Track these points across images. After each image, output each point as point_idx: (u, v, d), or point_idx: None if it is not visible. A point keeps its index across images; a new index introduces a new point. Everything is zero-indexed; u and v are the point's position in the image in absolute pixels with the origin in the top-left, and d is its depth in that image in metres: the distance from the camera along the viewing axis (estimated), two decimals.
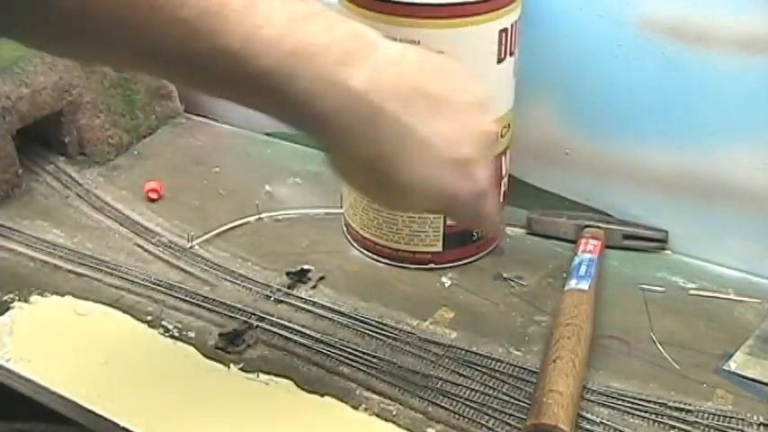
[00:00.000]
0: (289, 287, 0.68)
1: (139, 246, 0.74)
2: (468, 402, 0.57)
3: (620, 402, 0.57)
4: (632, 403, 0.57)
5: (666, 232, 0.72)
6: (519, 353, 0.61)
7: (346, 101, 0.45)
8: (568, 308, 0.62)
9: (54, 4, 0.45)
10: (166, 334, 0.63)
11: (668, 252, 0.73)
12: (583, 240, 0.70)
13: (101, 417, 0.56)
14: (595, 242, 0.70)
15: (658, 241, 0.73)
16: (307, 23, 0.46)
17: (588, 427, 0.55)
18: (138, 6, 0.44)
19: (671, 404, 0.57)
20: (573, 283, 0.64)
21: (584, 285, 0.64)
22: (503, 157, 0.70)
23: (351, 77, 0.45)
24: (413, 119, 0.46)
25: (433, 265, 0.70)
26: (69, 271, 0.70)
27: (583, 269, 0.66)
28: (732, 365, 0.60)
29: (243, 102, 0.48)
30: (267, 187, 0.82)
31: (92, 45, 0.47)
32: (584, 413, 0.56)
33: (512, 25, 0.64)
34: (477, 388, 0.58)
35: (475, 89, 0.50)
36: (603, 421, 0.55)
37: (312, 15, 0.46)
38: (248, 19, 0.45)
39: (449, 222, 0.68)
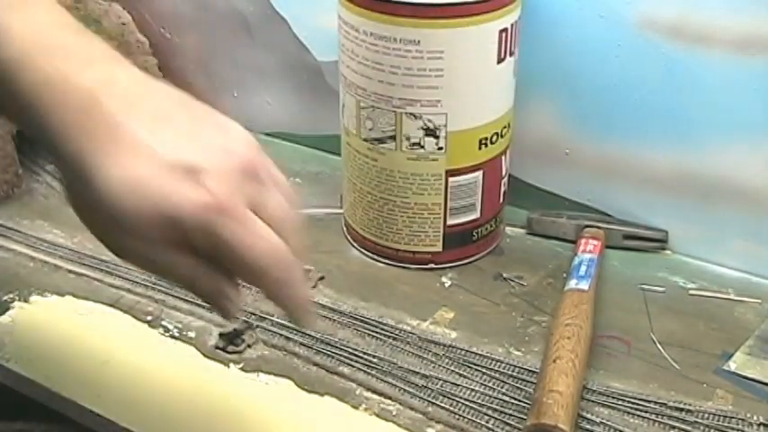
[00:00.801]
0: None
1: None
2: (468, 402, 0.57)
3: (620, 402, 0.57)
4: (632, 403, 0.57)
5: (666, 232, 0.73)
6: (519, 353, 0.61)
7: (71, 94, 0.42)
8: (568, 308, 0.62)
9: None
10: (166, 334, 0.63)
11: (668, 252, 0.73)
12: (583, 240, 0.70)
13: (101, 417, 0.56)
14: (595, 242, 0.70)
15: (658, 241, 0.73)
16: (66, 30, 0.44)
17: (588, 427, 0.55)
18: None
19: (671, 404, 0.57)
20: (573, 283, 0.64)
21: (585, 285, 0.64)
22: (503, 157, 0.70)
23: (83, 74, 0.42)
24: (132, 121, 0.42)
25: (432, 265, 0.71)
26: (69, 271, 0.70)
27: (583, 269, 0.66)
28: (732, 365, 0.60)
29: None
30: None
31: None
32: (584, 413, 0.56)
33: (512, 25, 0.64)
34: (477, 388, 0.58)
35: (222, 119, 0.45)
36: (603, 421, 0.55)
37: (77, 26, 0.45)
38: (10, 12, 0.43)
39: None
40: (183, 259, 0.43)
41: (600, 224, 0.73)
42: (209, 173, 0.41)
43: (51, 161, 0.45)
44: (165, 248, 0.42)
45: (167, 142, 0.41)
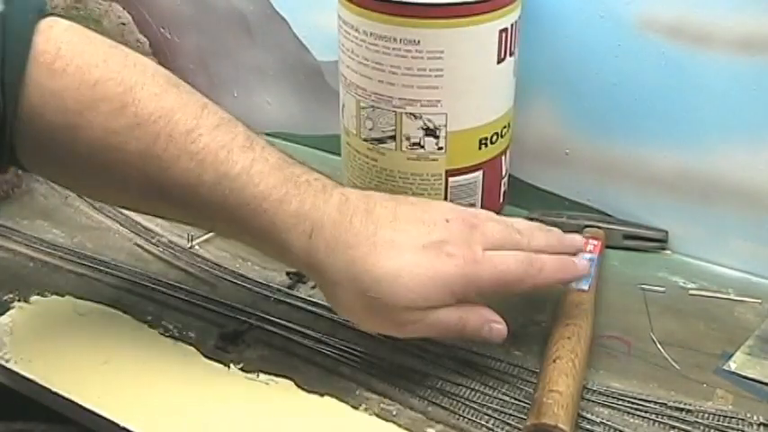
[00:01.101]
0: (289, 287, 0.68)
1: (139, 246, 0.74)
2: (468, 402, 0.57)
3: (620, 402, 0.57)
4: (632, 403, 0.57)
5: (666, 232, 0.73)
6: (519, 353, 0.61)
7: (325, 219, 0.54)
8: (568, 308, 0.62)
9: (82, 139, 0.53)
10: (166, 334, 0.63)
11: (668, 252, 0.73)
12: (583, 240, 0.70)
13: (101, 417, 0.56)
14: (595, 242, 0.70)
15: (658, 241, 0.73)
16: (293, 166, 0.56)
17: (588, 427, 0.55)
18: (158, 138, 0.53)
19: (671, 404, 0.57)
20: (573, 283, 0.64)
21: (585, 285, 0.64)
22: (503, 157, 0.70)
23: (327, 201, 0.55)
24: (376, 224, 0.54)
25: None
26: (69, 271, 0.70)
27: None
28: (732, 365, 0.60)
29: (240, 229, 0.56)
30: None
31: (113, 177, 0.55)
32: (584, 413, 0.56)
33: (512, 25, 0.64)
34: (477, 388, 0.58)
35: (424, 201, 0.59)
36: (603, 421, 0.55)
37: (296, 163, 0.57)
38: (247, 154, 0.54)
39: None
40: (452, 312, 0.55)
41: (600, 224, 0.73)
42: (448, 242, 0.54)
43: (304, 276, 0.60)
44: (438, 309, 0.54)
45: (411, 231, 0.54)
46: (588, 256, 0.68)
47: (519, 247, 0.57)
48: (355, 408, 0.57)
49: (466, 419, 0.56)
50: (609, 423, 0.55)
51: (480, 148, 0.67)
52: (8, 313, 0.65)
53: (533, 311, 0.66)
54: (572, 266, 0.59)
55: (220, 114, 0.57)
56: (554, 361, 0.56)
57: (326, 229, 0.54)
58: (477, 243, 0.55)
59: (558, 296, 0.64)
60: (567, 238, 0.61)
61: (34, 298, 0.67)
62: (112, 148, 0.54)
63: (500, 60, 0.65)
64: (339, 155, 0.74)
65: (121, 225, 0.76)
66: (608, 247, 0.72)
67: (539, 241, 0.58)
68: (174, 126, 0.54)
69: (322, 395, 0.58)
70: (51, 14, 0.56)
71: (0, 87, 0.52)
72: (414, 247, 0.53)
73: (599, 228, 0.72)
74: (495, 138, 0.68)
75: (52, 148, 0.55)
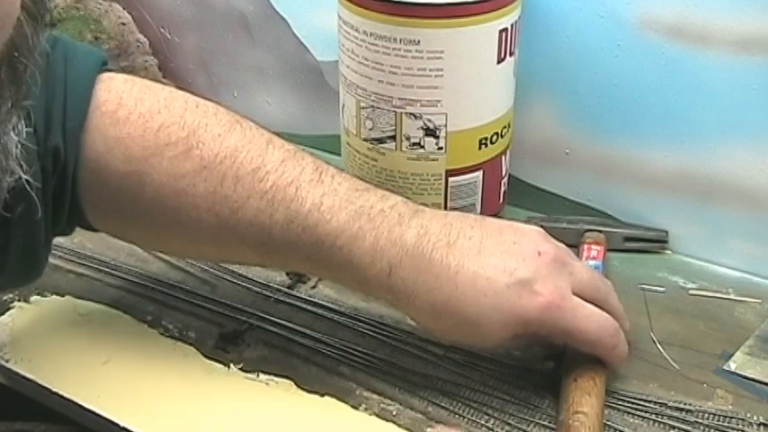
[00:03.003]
0: (289, 287, 0.68)
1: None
2: (468, 402, 0.57)
3: (620, 402, 0.57)
4: (632, 403, 0.57)
5: (667, 232, 0.72)
6: (519, 353, 0.61)
7: (403, 255, 0.52)
8: None
9: (148, 185, 0.53)
10: (166, 334, 0.63)
11: (668, 252, 0.73)
12: (585, 246, 0.70)
13: (101, 417, 0.56)
14: (598, 247, 0.70)
15: (659, 242, 0.72)
16: (365, 194, 0.54)
17: None
18: (225, 179, 0.53)
19: (671, 404, 0.57)
20: None
21: None
22: (503, 157, 0.70)
23: (404, 234, 0.52)
24: (460, 259, 0.52)
25: None
26: (69, 271, 0.70)
27: None
28: (732, 365, 0.60)
29: (316, 266, 0.55)
30: None
31: (184, 223, 0.55)
32: None
33: (512, 25, 0.64)
34: (477, 388, 0.58)
35: (512, 224, 0.56)
36: (604, 421, 0.55)
37: (368, 189, 0.55)
38: (317, 188, 0.53)
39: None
40: (526, 340, 0.55)
41: (600, 228, 0.72)
42: (536, 279, 0.51)
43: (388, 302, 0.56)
44: (516, 342, 0.55)
45: (497, 267, 0.51)
46: (593, 262, 0.68)
47: (603, 301, 0.54)
48: (355, 408, 0.57)
49: (466, 419, 0.56)
50: (609, 423, 0.55)
51: (480, 148, 0.67)
52: (8, 313, 0.65)
53: None
54: (624, 357, 0.56)
55: (286, 147, 0.56)
56: (574, 380, 0.55)
57: (405, 267, 0.52)
58: (566, 282, 0.52)
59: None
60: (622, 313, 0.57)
61: (34, 298, 0.67)
62: (181, 192, 0.53)
63: (500, 60, 0.65)
64: (339, 155, 0.74)
65: None
66: (609, 250, 0.72)
67: (614, 301, 0.56)
68: (240, 165, 0.53)
69: (322, 395, 0.58)
70: (109, 70, 0.57)
71: (62, 135, 0.53)
72: (497, 288, 0.51)
73: (600, 232, 0.72)
74: (495, 138, 0.68)
75: (120, 199, 0.55)
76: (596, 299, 0.54)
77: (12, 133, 0.37)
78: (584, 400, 0.54)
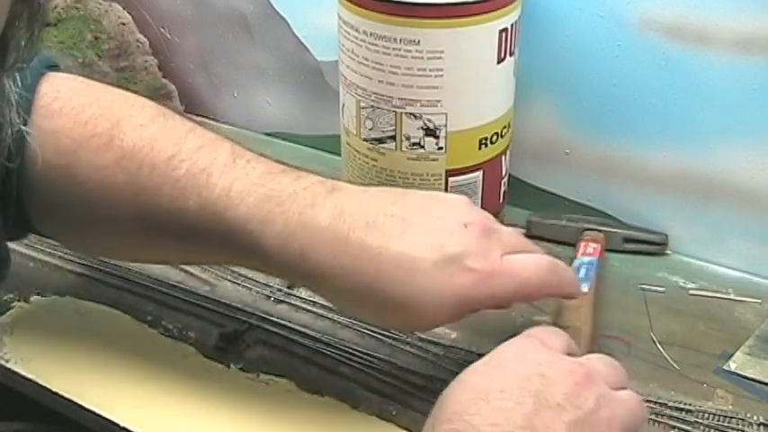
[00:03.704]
0: (289, 287, 0.68)
1: None
2: None
3: None
4: None
5: (666, 236, 0.72)
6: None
7: (316, 238, 0.49)
8: (568, 310, 0.61)
9: (77, 178, 0.53)
10: (166, 334, 0.63)
11: (668, 252, 0.73)
12: (582, 243, 0.70)
13: (101, 417, 0.56)
14: (595, 245, 0.70)
15: (658, 245, 0.72)
16: (279, 177, 0.51)
17: None
18: (142, 168, 0.52)
19: (671, 404, 0.57)
20: None
21: (584, 288, 0.63)
22: (503, 157, 0.70)
23: (317, 216, 0.49)
24: (381, 239, 0.48)
25: None
26: (69, 271, 0.70)
27: (582, 271, 0.66)
28: (732, 365, 0.60)
29: (233, 255, 0.53)
30: None
31: (110, 218, 0.54)
32: None
33: (512, 25, 0.64)
34: None
35: (435, 194, 0.53)
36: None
37: (284, 171, 0.52)
38: (228, 174, 0.51)
39: None
40: (466, 315, 0.51)
41: (600, 227, 0.72)
42: (467, 254, 0.48)
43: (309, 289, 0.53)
44: (455, 318, 0.51)
45: (423, 245, 0.48)
46: (587, 259, 0.68)
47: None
48: (355, 408, 0.57)
49: None
50: None
51: (480, 148, 0.67)
52: (8, 313, 0.65)
53: (533, 311, 0.65)
54: (575, 281, 0.56)
55: (208, 136, 0.54)
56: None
57: (319, 250, 0.49)
58: (495, 249, 0.50)
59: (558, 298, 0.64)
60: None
61: (34, 298, 0.67)
62: (104, 183, 0.53)
63: (500, 60, 0.65)
64: (339, 155, 0.74)
65: None
66: (608, 250, 0.72)
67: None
68: (156, 154, 0.52)
69: (322, 395, 0.58)
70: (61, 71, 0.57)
71: (14, 141, 0.52)
72: (425, 267, 0.48)
73: (599, 231, 0.72)
74: (495, 138, 0.68)
75: (54, 195, 0.54)
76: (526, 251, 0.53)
77: (12, 83, 0.36)
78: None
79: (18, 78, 0.50)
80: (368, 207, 0.50)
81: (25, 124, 0.52)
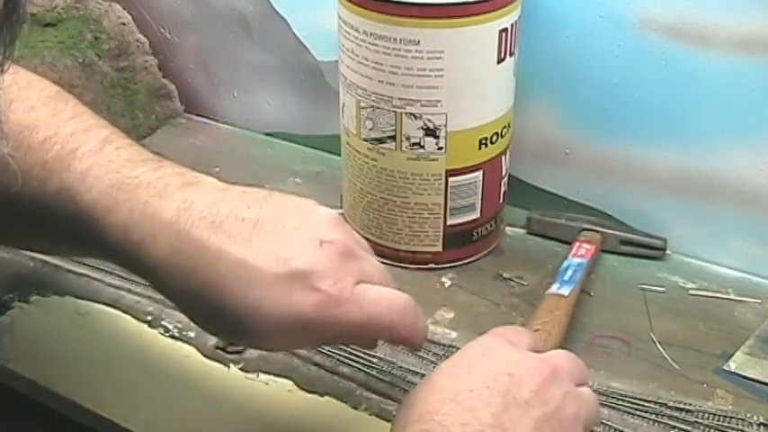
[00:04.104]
0: None
1: None
2: None
3: (620, 402, 0.57)
4: (632, 403, 0.57)
5: (665, 240, 0.72)
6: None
7: (156, 230, 0.45)
8: (542, 312, 0.61)
9: None
10: (166, 334, 0.63)
11: (668, 252, 0.73)
12: (576, 244, 0.70)
13: (101, 417, 0.56)
14: (588, 246, 0.69)
15: (657, 249, 0.72)
16: (140, 165, 0.48)
17: None
18: (20, 148, 0.48)
19: (671, 404, 0.57)
20: (555, 288, 0.64)
21: (565, 291, 0.63)
22: (503, 157, 0.70)
23: (162, 208, 0.46)
24: (224, 242, 0.44)
25: (433, 265, 0.70)
26: (69, 271, 0.70)
27: (568, 274, 0.65)
28: (732, 365, 0.60)
29: (84, 244, 0.49)
30: (267, 187, 0.82)
31: None
32: None
33: (512, 25, 0.64)
34: None
35: (300, 203, 0.48)
36: (603, 421, 0.55)
37: (148, 160, 0.49)
38: (92, 158, 0.48)
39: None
40: (314, 340, 0.48)
41: (598, 227, 0.72)
42: (316, 273, 0.44)
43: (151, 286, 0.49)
44: (299, 340, 0.47)
45: (268, 255, 0.44)
46: (577, 261, 0.67)
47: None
48: (355, 408, 0.57)
49: None
50: (609, 423, 0.55)
51: (480, 148, 0.67)
52: (8, 313, 0.65)
53: (533, 311, 0.65)
54: (425, 331, 0.51)
55: (90, 122, 0.51)
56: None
57: (159, 245, 0.45)
58: (350, 276, 0.45)
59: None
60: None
61: (34, 298, 0.67)
62: None
63: (500, 60, 0.65)
64: (339, 155, 0.74)
65: None
66: (605, 251, 0.71)
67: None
68: (35, 135, 0.50)
69: (322, 395, 0.58)
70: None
71: None
72: (265, 279, 0.44)
73: (596, 231, 0.72)
74: (495, 138, 0.68)
75: None
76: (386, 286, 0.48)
77: None
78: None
79: None
80: (220, 205, 0.46)
81: None
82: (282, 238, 0.45)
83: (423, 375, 0.59)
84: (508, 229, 0.76)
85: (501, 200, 0.72)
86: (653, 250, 0.72)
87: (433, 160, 0.66)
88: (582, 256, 0.68)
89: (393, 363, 0.60)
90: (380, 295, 0.46)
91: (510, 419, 0.42)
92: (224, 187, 0.48)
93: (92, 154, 0.49)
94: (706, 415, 0.56)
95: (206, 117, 0.95)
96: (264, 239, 0.45)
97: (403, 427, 0.43)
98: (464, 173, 0.67)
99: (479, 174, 0.68)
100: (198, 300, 0.45)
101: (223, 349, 0.62)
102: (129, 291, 0.68)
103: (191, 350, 0.62)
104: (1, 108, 0.41)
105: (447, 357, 0.60)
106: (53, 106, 0.52)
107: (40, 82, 0.54)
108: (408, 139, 0.66)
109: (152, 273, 0.46)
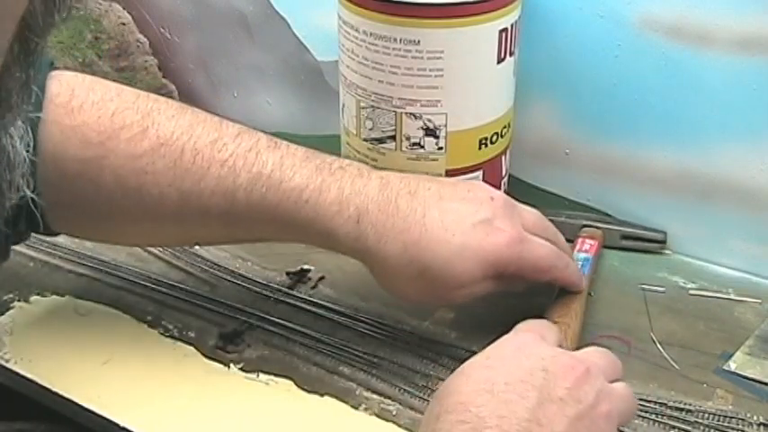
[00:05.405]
0: (289, 287, 0.68)
1: (139, 245, 0.73)
2: None
3: None
4: None
5: (665, 233, 0.72)
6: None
7: (369, 203, 0.55)
8: (558, 306, 0.61)
9: (107, 168, 0.54)
10: (166, 334, 0.63)
11: (668, 252, 0.73)
12: (579, 240, 0.70)
13: (101, 417, 0.56)
14: (592, 242, 0.70)
15: (657, 242, 0.72)
16: (321, 156, 0.57)
17: None
18: (184, 153, 0.55)
19: (671, 404, 0.57)
20: None
21: None
22: (503, 157, 0.70)
23: (367, 185, 0.55)
24: (424, 204, 0.55)
25: None
26: (69, 271, 0.70)
27: None
28: (732, 365, 0.60)
29: (282, 228, 0.56)
30: None
31: (146, 203, 0.55)
32: None
33: (512, 25, 0.64)
34: None
35: (467, 183, 0.60)
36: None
37: (323, 154, 0.57)
38: (275, 152, 0.56)
39: None
40: (491, 284, 0.57)
41: (598, 224, 0.73)
42: (496, 218, 0.55)
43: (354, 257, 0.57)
44: (483, 284, 0.56)
45: (459, 211, 0.55)
46: (583, 255, 0.68)
47: (551, 237, 0.59)
48: (355, 408, 0.57)
49: None
50: None
51: (480, 148, 0.67)
52: (8, 313, 0.65)
53: (533, 311, 0.65)
54: (580, 275, 0.62)
55: (239, 126, 0.58)
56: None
57: (372, 213, 0.54)
58: (519, 222, 0.57)
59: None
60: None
61: (34, 298, 0.67)
62: (140, 171, 0.54)
63: (500, 60, 0.65)
64: (339, 155, 0.74)
65: None
66: (607, 247, 0.72)
67: (561, 240, 0.61)
68: (198, 139, 0.55)
69: (322, 395, 0.58)
70: (58, 68, 0.58)
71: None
72: (464, 228, 0.54)
73: (597, 228, 0.72)
74: (495, 138, 0.68)
75: (79, 188, 0.55)
76: (544, 236, 0.59)
77: (17, 141, 0.35)
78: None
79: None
80: (408, 180, 0.57)
81: (36, 122, 0.52)
82: (463, 199, 0.56)
83: (423, 375, 0.59)
84: None
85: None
86: (654, 243, 0.72)
87: (433, 160, 0.66)
88: (586, 251, 0.68)
89: (393, 363, 0.60)
90: (542, 242, 0.58)
91: (545, 415, 0.43)
92: (399, 172, 0.59)
93: (272, 149, 0.56)
94: (706, 415, 0.56)
95: None
96: (450, 201, 0.56)
97: (437, 417, 0.43)
98: (464, 173, 0.67)
99: (479, 174, 0.68)
100: (413, 255, 0.54)
101: (223, 349, 0.62)
102: (129, 291, 0.68)
103: (191, 350, 0.62)
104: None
105: (447, 357, 0.61)
106: (192, 113, 0.57)
107: (155, 95, 0.58)
108: (408, 139, 0.66)
109: (368, 238, 0.54)
